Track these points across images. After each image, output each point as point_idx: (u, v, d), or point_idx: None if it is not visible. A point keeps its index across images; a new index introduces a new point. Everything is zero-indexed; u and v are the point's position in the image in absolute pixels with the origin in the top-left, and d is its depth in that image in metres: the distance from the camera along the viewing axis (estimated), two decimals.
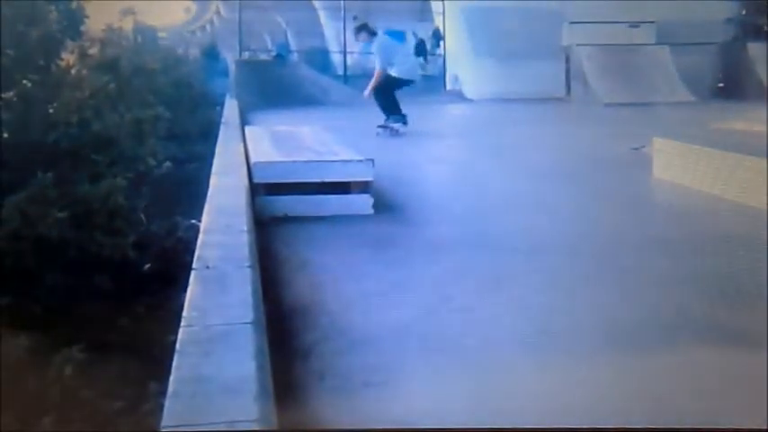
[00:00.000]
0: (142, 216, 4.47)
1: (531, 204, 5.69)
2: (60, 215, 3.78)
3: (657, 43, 15.86)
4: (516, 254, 4.29)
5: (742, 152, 5.71)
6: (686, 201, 5.75)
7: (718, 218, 5.23)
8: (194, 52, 18.31)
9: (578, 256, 4.29)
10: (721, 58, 16.06)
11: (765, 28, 17.22)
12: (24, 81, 4.78)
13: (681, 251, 4.38)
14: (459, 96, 16.15)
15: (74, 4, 5.26)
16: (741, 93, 14.44)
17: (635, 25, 15.94)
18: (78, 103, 4.56)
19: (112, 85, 5.07)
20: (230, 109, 10.75)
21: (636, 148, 7.56)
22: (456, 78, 17.00)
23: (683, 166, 6.31)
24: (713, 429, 2.65)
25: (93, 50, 5.45)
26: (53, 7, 5.09)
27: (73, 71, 5.02)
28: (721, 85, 15.57)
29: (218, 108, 10.99)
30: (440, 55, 18.92)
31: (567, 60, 15.88)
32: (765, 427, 2.75)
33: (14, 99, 4.64)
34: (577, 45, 15.70)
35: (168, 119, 5.66)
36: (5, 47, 4.62)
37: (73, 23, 5.18)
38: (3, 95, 4.46)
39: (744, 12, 17.47)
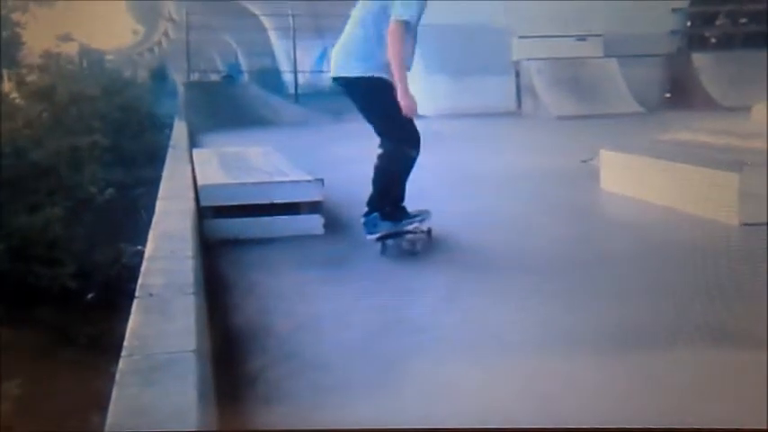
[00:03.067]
0: (82, 245, 4.36)
1: (479, 219, 5.70)
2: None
3: (605, 56, 16.10)
4: (466, 269, 4.29)
5: (686, 162, 5.79)
6: (632, 212, 5.82)
7: (664, 228, 5.27)
8: (143, 74, 18.14)
9: (527, 269, 4.29)
10: (667, 69, 16.37)
11: (711, 39, 17.64)
12: None
13: (628, 262, 4.41)
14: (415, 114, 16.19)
15: (8, 32, 5.14)
16: (687, 103, 14.74)
17: (582, 39, 16.17)
18: (12, 133, 4.45)
19: (47, 114, 4.96)
20: (179, 131, 10.62)
21: (585, 161, 7.63)
22: None
23: (629, 177, 6.39)
24: (713, 429, 2.65)
25: (31, 78, 5.33)
26: None
27: (8, 100, 4.90)
28: (668, 95, 15.86)
29: (166, 131, 10.85)
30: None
31: (517, 75, 16.05)
32: (765, 427, 2.77)
33: None
34: (527, 60, 15.86)
35: (110, 145, 5.55)
36: None
37: (8, 52, 5.07)
38: None
39: (689, 23, 17.84)
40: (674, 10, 16.93)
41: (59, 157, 4.67)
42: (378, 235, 4.87)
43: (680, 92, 15.70)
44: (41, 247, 3.98)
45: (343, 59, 4.83)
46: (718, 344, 3.20)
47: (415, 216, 5.00)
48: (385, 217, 4.91)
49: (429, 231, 5.02)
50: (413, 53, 4.83)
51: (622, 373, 2.99)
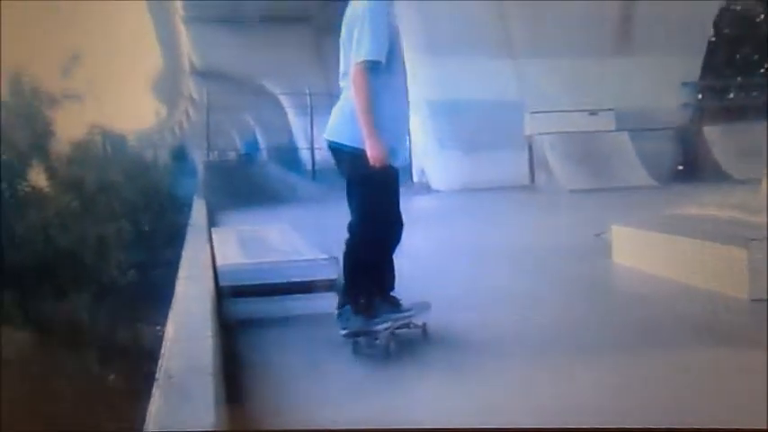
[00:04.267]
0: (104, 327, 4.48)
1: (493, 294, 5.72)
2: (24, 335, 3.80)
3: (617, 129, 16.30)
4: (474, 349, 4.29)
5: (696, 237, 5.84)
6: (643, 286, 5.86)
7: (674, 303, 5.30)
8: (163, 155, 18.51)
9: (541, 345, 4.31)
10: (679, 141, 16.54)
11: (723, 112, 17.82)
12: None
13: (639, 335, 4.44)
14: (426, 188, 16.39)
15: (39, 125, 5.39)
16: (699, 175, 14.85)
17: (594, 113, 16.40)
18: (43, 222, 4.64)
19: (76, 204, 5.16)
20: (198, 211, 10.80)
21: (597, 235, 7.70)
22: (422, 171, 17.30)
23: (640, 252, 6.46)
24: (713, 429, 2.66)
25: (60, 166, 5.55)
26: (19, 128, 5.22)
27: (40, 192, 5.11)
28: (680, 167, 15.98)
29: (185, 210, 11.05)
30: (406, 148, 19.28)
31: (530, 149, 16.25)
32: (765, 428, 2.78)
33: None
34: (539, 134, 16.09)
35: (133, 230, 5.72)
36: None
37: (40, 143, 5.31)
38: None
39: (700, 96, 18.07)
40: (684, 83, 17.17)
41: (86, 245, 4.83)
42: (347, 332, 4.28)
43: (692, 164, 15.82)
44: (67, 332, 4.09)
45: (333, 120, 4.39)
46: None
47: (401, 311, 4.33)
48: (357, 311, 4.30)
49: (424, 327, 4.42)
50: (405, 91, 4.37)
51: None
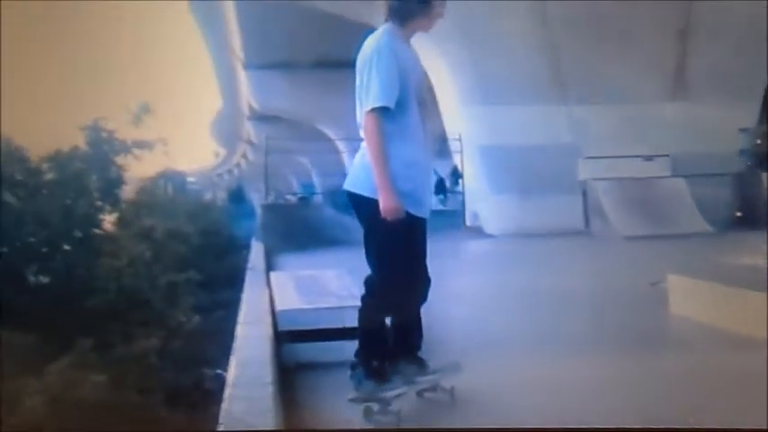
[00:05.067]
0: (170, 371, 4.64)
1: (549, 345, 5.66)
2: (99, 378, 3.98)
3: (673, 175, 16.16)
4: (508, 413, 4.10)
5: (755, 288, 5.78)
6: (701, 339, 5.79)
7: (733, 357, 5.22)
8: (221, 195, 18.88)
9: (599, 400, 4.25)
10: (737, 188, 16.31)
11: None
12: (67, 247, 5.11)
13: (699, 394, 4.40)
14: (479, 232, 16.42)
15: (113, 171, 5.64)
16: (758, 222, 14.59)
17: (649, 158, 16.31)
18: (117, 270, 4.85)
19: (149, 253, 5.39)
20: (256, 253, 11.02)
21: (654, 284, 7.65)
22: (476, 215, 17.34)
23: (698, 302, 6.39)
24: (713, 429, 2.65)
25: (129, 214, 5.79)
26: (95, 177, 5.48)
27: (112, 239, 5.34)
28: (739, 214, 15.75)
29: (244, 252, 11.28)
30: (459, 192, 19.36)
31: (585, 194, 16.19)
32: (765, 428, 2.76)
33: (58, 266, 4.95)
34: (594, 179, 16.04)
35: (200, 275, 5.92)
36: (51, 218, 4.97)
37: (112, 192, 5.56)
38: (49, 264, 4.78)
39: (758, 142, 17.84)
40: (741, 130, 16.99)
41: (155, 292, 5.03)
42: (355, 397, 3.99)
43: (750, 211, 15.58)
44: (136, 377, 4.26)
45: (351, 170, 4.19)
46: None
47: (425, 373, 4.03)
48: (369, 374, 4.01)
49: (452, 391, 4.09)
50: (424, 136, 4.08)
51: None
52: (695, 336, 5.91)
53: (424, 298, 4.12)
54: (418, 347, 4.16)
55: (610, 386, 4.51)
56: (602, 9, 16.15)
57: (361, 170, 4.04)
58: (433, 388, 4.13)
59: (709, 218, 14.97)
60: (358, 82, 4.04)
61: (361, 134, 4.03)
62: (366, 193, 3.97)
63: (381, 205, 3.86)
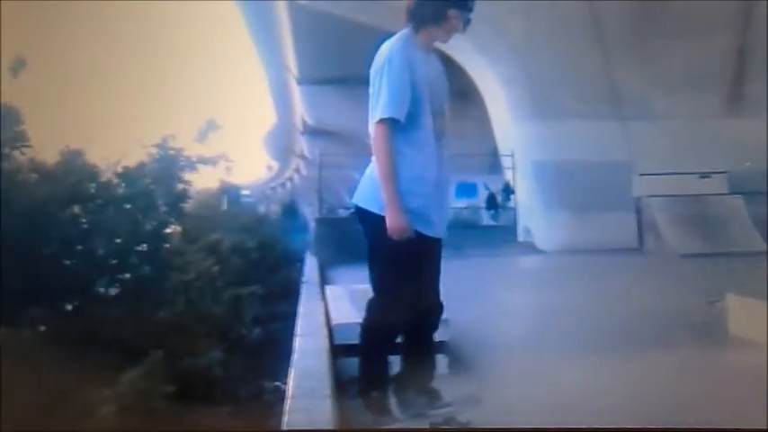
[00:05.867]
0: (232, 383, 4.77)
1: (601, 369, 5.47)
2: (168, 389, 4.11)
3: (730, 193, 15.93)
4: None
5: None
6: (760, 358, 5.69)
7: None
8: (275, 209, 19.12)
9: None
10: None
11: None
12: (135, 261, 5.29)
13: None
14: (531, 248, 16.36)
15: (179, 187, 5.82)
16: None
17: (705, 176, 16.11)
18: (185, 284, 5.00)
19: (215, 268, 5.53)
20: (310, 266, 11.16)
21: (711, 302, 7.55)
22: (528, 230, 17.30)
23: (758, 324, 6.28)
24: (713, 429, 2.65)
25: (193, 228, 5.97)
26: (162, 192, 5.66)
27: (180, 253, 5.52)
28: None
29: (297, 265, 11.42)
30: (511, 207, 19.34)
31: (639, 212, 16.05)
32: (765, 428, 2.75)
33: (127, 279, 5.13)
34: (648, 196, 15.89)
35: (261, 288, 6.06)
36: (120, 232, 5.16)
37: (177, 206, 5.73)
38: (119, 276, 4.95)
39: None
40: None
41: (220, 305, 5.18)
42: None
43: None
44: (202, 388, 4.39)
45: (361, 183, 3.96)
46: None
47: (437, 406, 3.73)
48: (367, 406, 3.86)
49: (467, 426, 3.73)
50: (439, 151, 3.82)
51: None
52: (755, 357, 5.81)
53: (433, 326, 3.89)
54: (430, 377, 3.93)
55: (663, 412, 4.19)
56: (658, 25, 16.04)
57: (369, 184, 3.84)
58: (447, 422, 3.78)
59: (766, 236, 14.71)
60: (371, 90, 3.85)
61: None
62: (373, 209, 3.78)
63: (388, 223, 3.64)
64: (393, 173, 3.66)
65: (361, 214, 3.88)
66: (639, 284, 10.50)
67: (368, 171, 3.91)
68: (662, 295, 9.09)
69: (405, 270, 3.71)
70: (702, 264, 12.36)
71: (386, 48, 3.88)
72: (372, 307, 3.90)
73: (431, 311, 3.86)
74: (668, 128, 16.18)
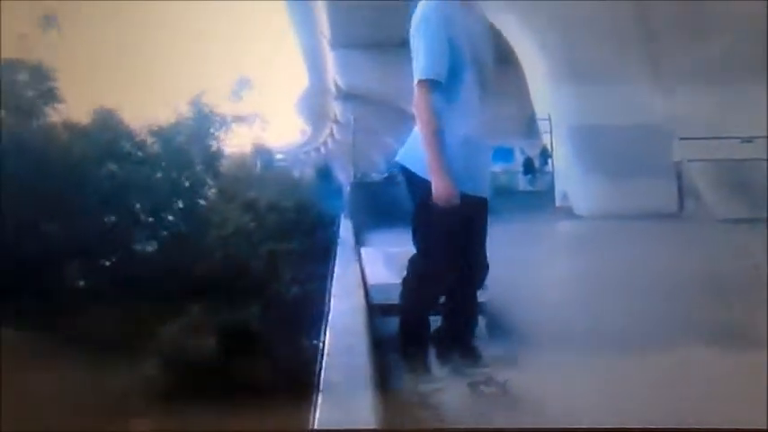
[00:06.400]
0: (270, 340, 4.78)
1: (637, 336, 5.40)
2: (208, 342, 4.13)
3: None
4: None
5: None
6: None
7: None
8: (309, 172, 19.13)
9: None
10: None
11: None
12: (171, 218, 5.31)
13: None
14: (569, 213, 16.21)
15: (214, 146, 5.83)
16: None
17: (748, 140, 15.80)
18: (223, 239, 5.01)
19: (253, 224, 5.55)
20: (345, 230, 11.16)
21: (757, 266, 7.40)
22: (565, 195, 17.13)
23: None
24: (713, 429, 2.60)
25: (230, 187, 5.97)
26: (197, 150, 5.67)
27: (218, 210, 5.53)
28: None
29: (333, 228, 11.43)
30: (548, 172, 19.14)
31: (679, 176, 15.81)
32: (765, 428, 2.70)
33: (165, 235, 5.15)
34: (689, 161, 15.64)
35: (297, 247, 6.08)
36: (157, 189, 5.17)
37: (213, 164, 5.74)
38: (156, 233, 4.98)
39: None
40: None
41: (258, 261, 5.19)
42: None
43: None
44: (241, 343, 4.41)
45: (409, 141, 3.90)
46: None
47: (477, 365, 3.73)
48: (407, 362, 3.89)
49: (505, 385, 3.67)
50: (481, 110, 3.72)
51: None
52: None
53: (478, 285, 3.87)
54: (472, 336, 3.95)
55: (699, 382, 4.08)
56: None
57: (415, 144, 3.74)
58: (486, 381, 3.76)
59: None
60: (412, 52, 3.76)
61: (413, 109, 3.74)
62: (418, 172, 3.70)
63: (434, 191, 3.55)
64: (437, 137, 3.57)
65: (406, 174, 3.82)
66: (679, 249, 10.34)
67: (415, 129, 3.81)
68: (703, 259, 8.93)
69: (450, 233, 3.66)
70: (743, 229, 12.15)
71: (422, 6, 3.76)
72: (415, 266, 3.88)
73: (477, 271, 3.84)
74: (709, 92, 15.84)
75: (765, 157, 15.62)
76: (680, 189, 15.74)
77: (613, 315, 6.07)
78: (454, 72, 3.64)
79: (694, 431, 2.67)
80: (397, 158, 3.90)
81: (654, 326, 5.65)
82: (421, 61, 3.63)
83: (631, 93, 16.19)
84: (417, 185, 3.72)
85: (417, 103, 3.63)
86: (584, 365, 4.44)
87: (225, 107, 6.81)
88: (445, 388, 3.81)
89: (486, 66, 3.80)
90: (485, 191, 3.87)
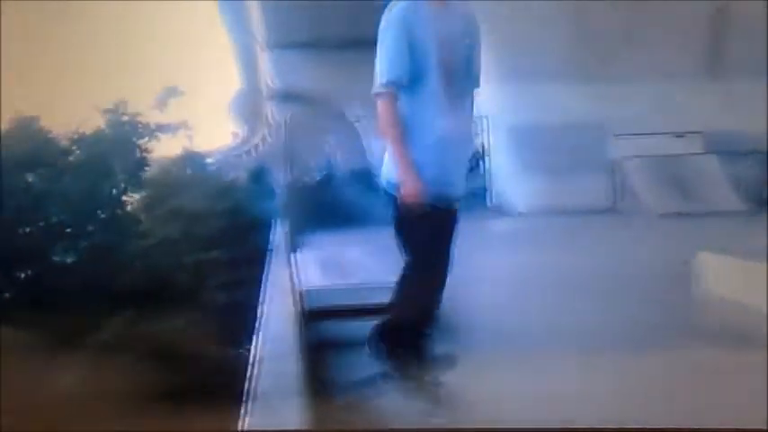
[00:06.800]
0: (192, 349, 4.59)
1: (575, 329, 5.38)
2: (127, 358, 3.95)
3: (705, 152, 15.88)
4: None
5: None
6: (735, 319, 5.58)
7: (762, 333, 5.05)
8: (242, 176, 18.84)
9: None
10: None
11: None
12: (91, 228, 5.10)
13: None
14: (504, 211, 16.24)
15: (137, 154, 5.62)
16: None
17: (680, 135, 16.05)
18: (144, 250, 4.84)
19: (176, 233, 5.37)
20: (279, 233, 10.94)
21: (686, 262, 7.44)
22: (501, 193, 17.16)
23: (731, 281, 6.21)
24: (713, 429, 2.58)
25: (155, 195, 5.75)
26: (119, 159, 5.46)
27: (140, 221, 5.33)
28: None
29: (266, 232, 11.19)
30: (481, 173, 19.15)
31: (615, 172, 15.98)
32: (765, 428, 2.68)
33: (84, 246, 4.94)
34: (623, 157, 15.80)
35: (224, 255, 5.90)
36: (76, 199, 4.95)
37: (135, 174, 5.54)
38: (75, 244, 4.77)
39: None
40: None
41: (184, 271, 5.02)
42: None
43: None
44: (166, 355, 4.23)
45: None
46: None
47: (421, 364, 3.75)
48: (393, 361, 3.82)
49: (442, 385, 3.79)
50: (452, 112, 3.64)
51: None
52: (730, 319, 5.70)
53: (437, 282, 3.87)
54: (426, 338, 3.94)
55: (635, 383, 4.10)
56: None
57: (387, 160, 3.74)
58: (426, 381, 3.83)
59: (742, 196, 14.71)
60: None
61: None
62: (391, 189, 3.71)
63: (402, 189, 3.58)
64: (399, 139, 3.57)
65: (386, 190, 3.78)
66: (615, 245, 10.41)
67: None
68: (638, 254, 8.99)
69: (432, 237, 3.71)
70: (678, 223, 12.31)
71: (388, 10, 3.73)
72: (408, 279, 3.81)
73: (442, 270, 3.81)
74: (644, 90, 16.02)
75: (698, 152, 15.90)
76: (615, 185, 15.91)
77: (546, 312, 6.08)
78: (418, 76, 3.62)
79: (694, 431, 2.63)
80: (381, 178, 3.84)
81: (586, 323, 5.66)
82: (380, 66, 3.64)
83: (567, 91, 16.28)
84: (392, 200, 3.73)
85: (378, 109, 3.63)
86: (518, 363, 4.38)
87: (150, 115, 6.60)
88: (384, 389, 3.86)
89: (459, 67, 3.75)
90: (459, 192, 3.86)
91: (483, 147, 18.51)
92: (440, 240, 3.75)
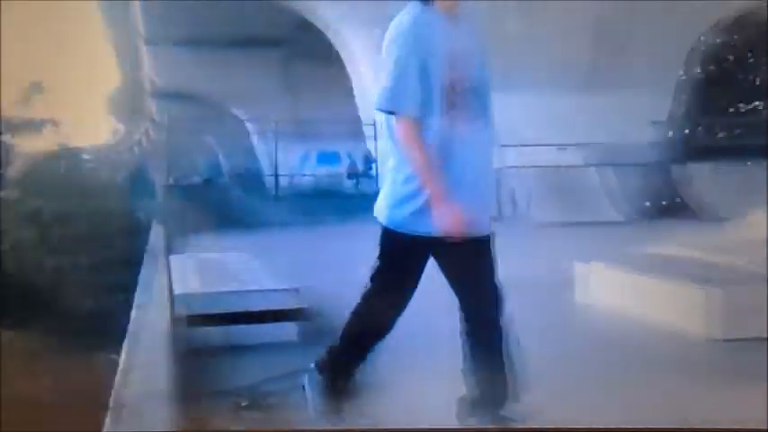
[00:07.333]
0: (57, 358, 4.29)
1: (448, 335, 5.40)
2: None
3: (584, 165, 16.35)
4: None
5: (662, 276, 5.79)
6: (607, 326, 5.70)
7: (640, 343, 5.17)
8: (121, 175, 18.17)
9: None
10: (649, 179, 16.62)
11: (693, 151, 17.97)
12: None
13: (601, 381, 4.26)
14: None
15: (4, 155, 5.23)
16: (668, 213, 14.96)
17: (562, 148, 16.46)
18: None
19: (33, 236, 5.02)
20: (156, 235, 10.55)
21: (562, 271, 7.57)
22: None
23: (605, 290, 6.35)
24: (713, 429, 2.57)
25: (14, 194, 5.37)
26: None
27: None
28: (648, 204, 16.07)
29: (143, 234, 10.77)
30: (372, 176, 19.18)
31: (498, 182, 16.22)
32: (765, 428, 2.69)
33: None
34: (507, 167, 16.09)
35: (89, 260, 5.56)
36: None
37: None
38: None
39: (670, 134, 18.24)
40: (654, 122, 17.35)
41: (41, 277, 4.69)
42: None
43: (659, 202, 15.92)
44: (25, 361, 3.92)
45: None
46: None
47: None
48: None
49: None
50: (466, 146, 3.32)
51: None
52: (603, 326, 5.80)
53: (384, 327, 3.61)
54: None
55: None
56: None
57: (382, 197, 3.43)
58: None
59: (620, 207, 15.24)
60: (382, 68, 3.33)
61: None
62: (389, 225, 3.38)
63: (439, 220, 3.20)
64: (428, 162, 3.20)
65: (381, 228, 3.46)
66: (497, 253, 10.47)
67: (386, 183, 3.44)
68: (517, 263, 9.05)
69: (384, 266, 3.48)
70: (557, 233, 12.57)
71: (397, 21, 3.33)
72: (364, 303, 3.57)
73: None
74: (527, 101, 16.35)
75: (579, 164, 16.37)
76: (498, 195, 16.18)
77: (420, 317, 6.03)
78: (429, 99, 3.24)
79: (694, 431, 2.57)
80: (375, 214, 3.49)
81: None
82: (386, 84, 3.23)
83: None
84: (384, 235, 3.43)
85: (399, 138, 3.27)
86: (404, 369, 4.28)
87: (13, 111, 6.16)
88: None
89: (469, 89, 3.38)
90: (485, 223, 3.48)
91: (372, 152, 18.55)
92: (475, 271, 3.44)
